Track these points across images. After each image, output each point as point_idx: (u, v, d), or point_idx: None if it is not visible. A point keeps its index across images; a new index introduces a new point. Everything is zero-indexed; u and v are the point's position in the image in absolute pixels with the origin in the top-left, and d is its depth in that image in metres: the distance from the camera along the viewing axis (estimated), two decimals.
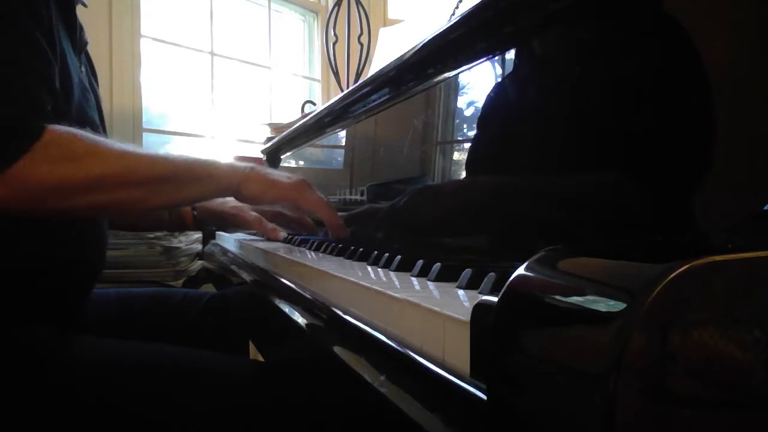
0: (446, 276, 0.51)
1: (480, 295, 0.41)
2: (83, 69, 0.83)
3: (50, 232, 0.73)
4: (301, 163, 1.37)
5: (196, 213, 1.09)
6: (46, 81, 0.66)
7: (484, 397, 0.29)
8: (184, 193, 0.73)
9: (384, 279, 0.55)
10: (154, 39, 2.22)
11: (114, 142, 0.68)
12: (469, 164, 0.64)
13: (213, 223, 1.20)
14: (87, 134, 0.65)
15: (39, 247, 0.73)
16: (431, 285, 0.50)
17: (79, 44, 0.83)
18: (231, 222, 1.08)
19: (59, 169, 0.61)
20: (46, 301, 0.76)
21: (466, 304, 0.39)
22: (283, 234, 0.98)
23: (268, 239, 1.12)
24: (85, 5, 0.86)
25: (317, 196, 0.83)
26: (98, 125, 0.83)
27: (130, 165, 0.67)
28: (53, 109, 0.66)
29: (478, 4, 0.57)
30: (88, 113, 0.79)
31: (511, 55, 0.57)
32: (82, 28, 0.84)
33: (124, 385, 0.65)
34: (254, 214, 1.04)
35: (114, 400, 0.63)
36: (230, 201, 1.08)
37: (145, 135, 2.18)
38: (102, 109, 0.87)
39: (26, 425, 0.61)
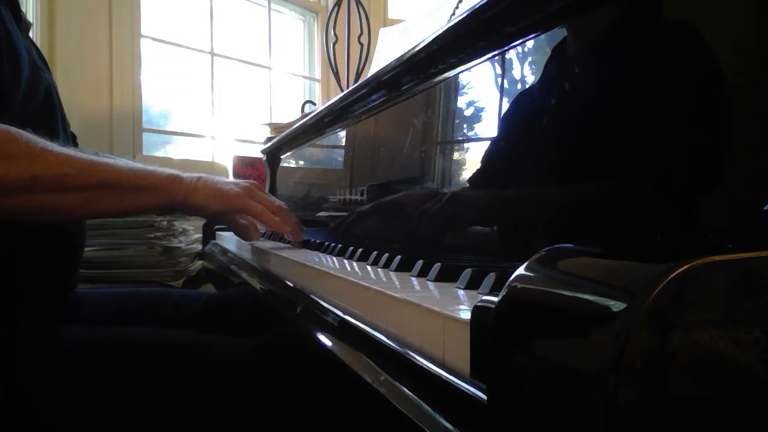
0: (446, 276, 0.51)
1: (480, 295, 0.41)
2: (33, 49, 0.82)
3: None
4: (301, 163, 1.37)
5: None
6: None
7: (484, 397, 0.29)
8: (124, 203, 0.71)
9: (384, 279, 0.55)
10: (154, 39, 2.22)
11: (54, 145, 0.65)
12: (470, 164, 0.64)
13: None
14: (26, 134, 0.63)
15: (12, 236, 0.72)
16: (431, 285, 0.50)
17: (24, 25, 0.81)
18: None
19: None
20: (29, 291, 0.75)
21: (466, 304, 0.39)
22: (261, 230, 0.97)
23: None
24: None
25: (261, 207, 0.81)
26: (54, 106, 0.81)
27: (67, 169, 0.65)
28: None
29: (478, 4, 0.57)
30: (39, 92, 0.77)
31: (511, 55, 0.57)
32: (22, 11, 0.83)
33: (120, 360, 0.65)
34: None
35: (110, 375, 0.63)
36: None
37: (145, 135, 2.18)
38: (58, 92, 0.84)
39: (18, 412, 0.60)
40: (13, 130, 0.62)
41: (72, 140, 0.93)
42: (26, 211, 0.64)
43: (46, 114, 0.80)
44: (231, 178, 0.89)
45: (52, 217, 0.67)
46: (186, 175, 0.77)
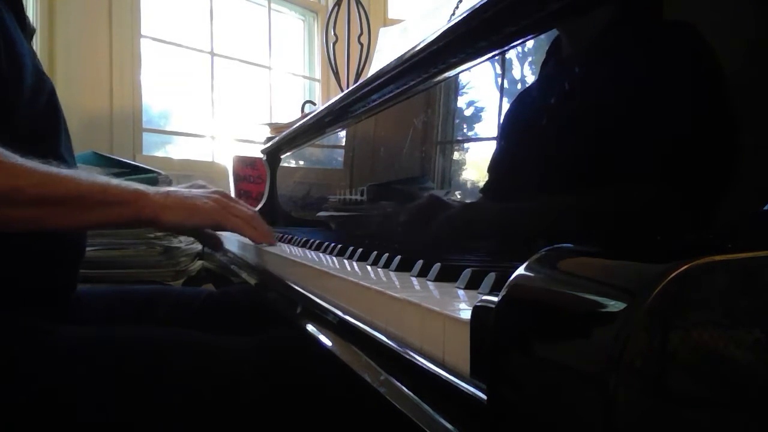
0: (446, 276, 0.51)
1: (480, 295, 0.41)
2: (35, 56, 0.82)
3: None
4: (301, 163, 1.37)
5: None
6: None
7: (484, 397, 0.29)
8: (86, 217, 0.69)
9: (384, 279, 0.55)
10: (154, 39, 2.22)
11: (15, 157, 0.63)
12: (470, 164, 0.64)
13: None
14: None
15: (13, 238, 0.71)
16: (431, 285, 0.50)
17: (29, 30, 0.81)
18: None
19: None
20: (29, 291, 0.75)
21: (466, 304, 0.39)
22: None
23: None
24: None
25: (238, 221, 0.80)
26: (57, 110, 0.81)
27: (23, 181, 0.62)
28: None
29: (478, 4, 0.57)
30: (42, 97, 0.77)
31: (511, 55, 0.57)
32: (27, 17, 0.83)
33: (119, 360, 0.65)
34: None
35: (107, 381, 0.63)
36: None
37: (145, 135, 2.18)
38: (57, 96, 0.83)
39: (19, 409, 0.60)
40: None
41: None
42: None
43: (49, 118, 0.80)
44: (198, 188, 0.87)
45: (8, 230, 0.65)
46: (153, 190, 0.74)
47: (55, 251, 0.79)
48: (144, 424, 0.62)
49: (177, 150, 2.41)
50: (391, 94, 0.82)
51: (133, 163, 1.67)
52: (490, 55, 0.60)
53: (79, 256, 0.85)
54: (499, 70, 0.60)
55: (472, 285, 0.46)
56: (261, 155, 1.58)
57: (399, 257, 0.61)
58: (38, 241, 0.75)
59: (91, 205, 0.68)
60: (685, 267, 0.20)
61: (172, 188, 0.79)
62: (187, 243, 1.65)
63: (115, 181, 0.72)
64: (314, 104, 2.15)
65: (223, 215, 0.79)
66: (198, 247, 1.69)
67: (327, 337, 0.54)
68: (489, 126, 0.62)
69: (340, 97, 0.97)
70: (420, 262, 0.56)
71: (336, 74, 2.00)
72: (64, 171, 0.68)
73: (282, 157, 1.45)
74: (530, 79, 0.56)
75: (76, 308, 0.87)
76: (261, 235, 0.86)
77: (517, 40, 0.56)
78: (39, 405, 0.61)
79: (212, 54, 2.44)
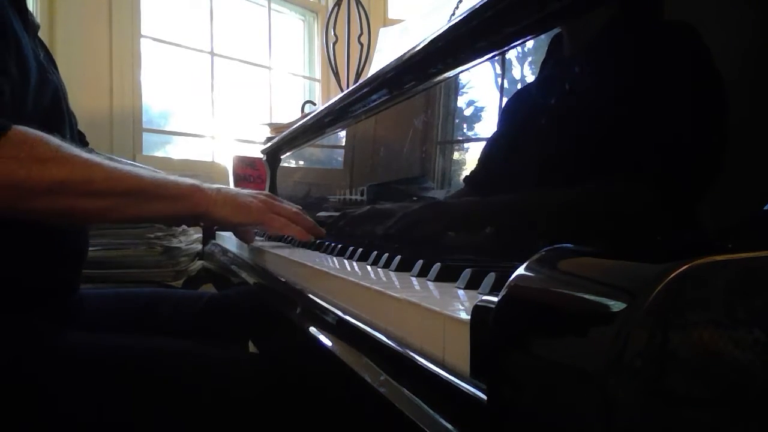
0: (446, 276, 0.51)
1: (480, 295, 0.41)
2: (41, 52, 0.82)
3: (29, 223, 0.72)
4: (301, 163, 1.37)
5: None
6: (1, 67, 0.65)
7: (484, 397, 0.29)
8: (146, 211, 0.72)
9: (384, 279, 0.55)
10: (154, 39, 2.22)
11: (81, 152, 0.67)
12: (470, 164, 0.64)
13: None
14: (53, 138, 0.64)
15: (17, 235, 0.72)
16: (431, 285, 0.50)
17: (32, 27, 0.82)
18: None
19: (25, 168, 0.60)
20: (32, 292, 0.75)
21: (466, 304, 0.39)
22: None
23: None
24: None
25: (283, 220, 0.83)
26: (61, 107, 0.82)
27: (95, 174, 0.66)
28: (10, 92, 0.65)
29: (478, 4, 0.57)
30: (46, 94, 0.78)
31: (511, 55, 0.57)
32: (31, 13, 0.83)
33: (120, 372, 0.65)
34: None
35: (110, 385, 0.63)
36: None
37: (145, 135, 2.18)
38: (66, 94, 0.85)
39: (20, 414, 0.60)
40: (44, 135, 0.63)
41: (81, 139, 0.94)
42: (50, 214, 0.65)
43: (53, 115, 0.80)
44: (246, 190, 0.90)
45: (74, 221, 0.69)
46: (206, 186, 0.78)
47: (58, 252, 0.79)
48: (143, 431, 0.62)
49: (177, 150, 2.41)
50: (391, 94, 0.82)
51: (133, 163, 1.67)
52: (490, 55, 0.60)
53: (82, 257, 0.85)
54: (499, 70, 0.60)
55: (472, 285, 0.46)
56: (261, 155, 1.58)
57: (399, 257, 0.61)
58: (40, 241, 0.75)
59: (152, 198, 0.71)
60: (685, 267, 0.20)
61: (221, 185, 0.82)
62: (187, 243, 1.65)
63: (172, 177, 0.76)
64: (314, 104, 2.15)
65: (268, 216, 0.82)
66: (198, 247, 1.69)
67: (327, 337, 0.54)
68: (489, 126, 0.62)
69: (340, 97, 0.97)
70: (420, 262, 0.56)
71: (336, 74, 2.00)
72: (126, 166, 0.72)
73: (282, 157, 1.45)
74: (530, 79, 0.56)
75: (77, 310, 0.87)
76: (303, 232, 0.87)
77: (517, 40, 0.56)
78: (38, 409, 0.61)
79: (212, 54, 2.44)
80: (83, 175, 0.65)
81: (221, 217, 0.78)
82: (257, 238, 1.24)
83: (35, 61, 0.75)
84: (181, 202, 0.74)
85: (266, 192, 0.88)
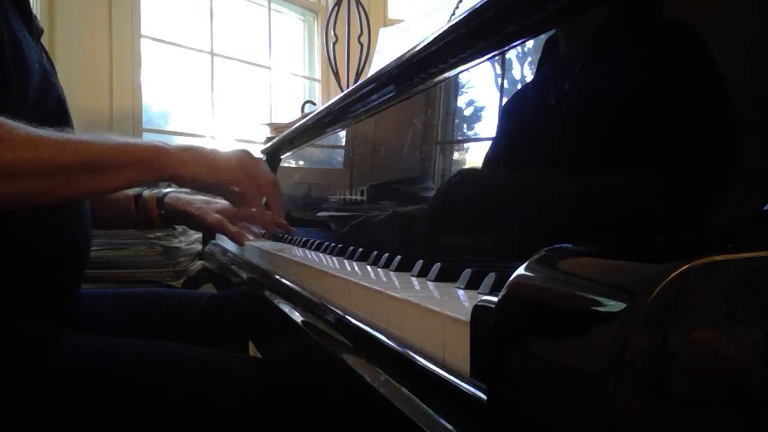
0: (446, 276, 0.51)
1: (480, 295, 0.41)
2: (44, 56, 0.81)
3: (31, 223, 0.71)
4: (301, 163, 1.37)
5: (162, 212, 1.04)
6: None
7: (484, 397, 0.29)
8: (108, 181, 0.67)
9: (384, 279, 0.55)
10: (154, 39, 2.22)
11: (30, 129, 0.62)
12: (470, 164, 0.64)
13: (179, 221, 1.14)
14: (2, 119, 0.60)
15: (20, 238, 0.71)
16: (431, 285, 0.50)
17: (36, 31, 0.81)
18: (195, 222, 1.03)
19: None
20: (33, 295, 0.75)
21: (466, 304, 0.39)
22: (250, 237, 0.94)
23: (237, 244, 1.08)
24: None
25: (253, 192, 0.76)
26: (65, 113, 0.81)
27: (43, 152, 0.61)
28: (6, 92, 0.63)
29: (478, 4, 0.57)
30: (50, 99, 0.76)
31: (511, 55, 0.57)
32: (35, 16, 0.82)
33: (120, 377, 0.65)
34: (216, 216, 1.00)
35: (110, 392, 0.63)
36: (198, 200, 1.05)
37: (145, 135, 2.18)
38: (64, 96, 0.83)
39: (20, 419, 0.61)
40: None
41: None
42: (8, 198, 0.62)
43: (56, 122, 0.79)
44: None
45: (36, 202, 0.64)
46: (172, 146, 0.72)
47: (61, 254, 0.79)
48: None
49: None
50: (391, 94, 0.82)
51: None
52: (490, 55, 0.60)
53: (85, 258, 0.85)
54: (499, 70, 0.60)
55: (472, 285, 0.46)
56: (261, 155, 1.58)
57: (399, 257, 0.61)
58: (44, 243, 0.75)
59: (110, 168, 0.66)
60: (685, 267, 0.20)
61: (196, 144, 0.78)
62: (187, 243, 1.65)
63: (132, 140, 0.71)
64: (314, 104, 2.14)
65: (240, 177, 0.75)
66: (198, 247, 1.69)
67: (327, 338, 0.54)
68: (489, 126, 0.62)
69: (340, 97, 0.97)
70: (420, 262, 0.56)
71: (336, 74, 2.00)
72: (84, 136, 0.67)
73: (282, 157, 1.45)
74: (530, 79, 0.56)
75: (77, 311, 0.87)
76: (270, 222, 0.83)
77: (517, 40, 0.56)
78: (37, 409, 0.61)
79: (212, 54, 2.44)
80: (30, 155, 0.61)
81: (191, 176, 0.71)
82: (258, 239, 1.24)
83: (38, 65, 0.75)
84: (146, 168, 0.69)
85: (244, 149, 0.80)
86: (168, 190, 1.08)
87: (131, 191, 1.06)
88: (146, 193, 1.06)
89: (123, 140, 0.70)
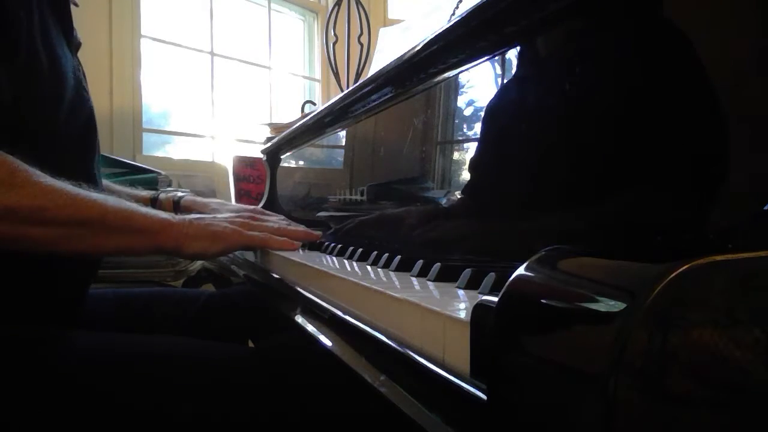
0: (446, 276, 0.51)
1: (480, 295, 0.41)
2: (80, 69, 0.82)
3: None
4: (301, 163, 1.37)
5: (179, 214, 1.06)
6: None
7: (484, 397, 0.29)
8: (107, 243, 0.67)
9: (384, 279, 0.55)
10: (154, 39, 2.22)
11: (42, 175, 0.62)
12: (471, 164, 0.64)
13: None
14: (10, 161, 0.60)
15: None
16: (431, 285, 0.50)
17: (75, 44, 0.81)
18: None
19: None
20: (43, 298, 0.75)
21: (466, 304, 0.39)
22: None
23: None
24: (76, 5, 0.85)
25: (262, 236, 0.79)
26: (94, 128, 0.82)
27: (50, 202, 0.62)
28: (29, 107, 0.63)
29: (478, 4, 0.57)
30: (82, 114, 0.77)
31: (511, 55, 0.57)
32: (75, 31, 0.83)
33: (121, 371, 0.65)
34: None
35: (112, 387, 0.63)
36: (213, 202, 1.06)
37: (145, 135, 2.18)
38: (93, 109, 0.84)
39: (26, 418, 0.61)
40: (7, 157, 0.60)
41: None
42: (2, 240, 0.61)
43: (86, 136, 0.79)
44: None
45: (27, 249, 0.64)
46: (178, 218, 0.74)
47: (72, 266, 0.79)
48: None
49: (177, 150, 2.41)
50: (391, 94, 0.82)
51: (133, 163, 1.67)
52: (490, 55, 0.60)
53: (96, 269, 0.85)
54: (499, 70, 0.60)
55: (472, 285, 0.46)
56: (261, 155, 1.58)
57: (399, 257, 0.61)
58: (51, 257, 0.75)
59: (113, 230, 0.67)
60: (685, 267, 0.20)
61: (195, 216, 0.78)
62: None
63: (144, 210, 0.71)
64: (314, 104, 2.14)
65: (245, 238, 0.77)
66: None
67: (327, 337, 0.54)
68: (489, 126, 0.62)
69: (340, 97, 0.97)
70: (420, 262, 0.56)
71: (336, 74, 2.00)
72: (93, 194, 0.67)
73: (282, 157, 1.45)
74: (530, 79, 0.56)
75: (79, 311, 0.87)
76: (287, 242, 0.82)
77: (517, 40, 0.56)
78: (38, 408, 0.61)
79: (212, 54, 2.44)
80: (37, 201, 0.61)
81: (193, 252, 0.73)
82: None
83: (74, 80, 0.74)
84: (148, 237, 0.70)
85: (251, 208, 0.82)
86: (182, 193, 1.08)
87: (147, 194, 1.07)
88: (162, 196, 1.07)
89: (134, 207, 0.70)
